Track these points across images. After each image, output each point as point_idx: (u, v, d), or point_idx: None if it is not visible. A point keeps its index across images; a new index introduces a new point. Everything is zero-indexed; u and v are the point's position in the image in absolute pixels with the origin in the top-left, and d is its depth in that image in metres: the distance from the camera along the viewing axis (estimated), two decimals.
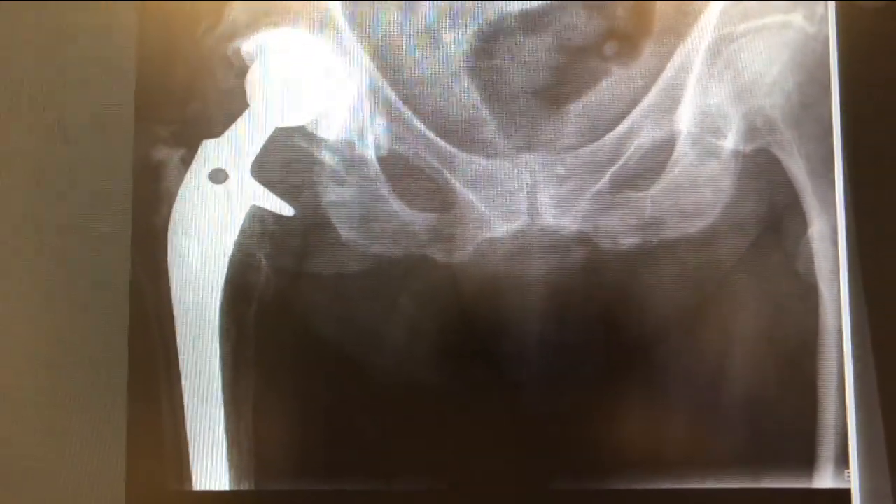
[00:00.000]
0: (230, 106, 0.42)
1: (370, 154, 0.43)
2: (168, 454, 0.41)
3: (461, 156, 0.42)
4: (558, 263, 0.41)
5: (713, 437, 0.40)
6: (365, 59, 0.43)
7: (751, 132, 0.42)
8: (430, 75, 0.43)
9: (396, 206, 0.42)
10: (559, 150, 0.42)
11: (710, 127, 0.42)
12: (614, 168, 0.42)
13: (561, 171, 0.42)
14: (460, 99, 0.42)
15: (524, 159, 0.42)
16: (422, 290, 0.41)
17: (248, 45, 0.43)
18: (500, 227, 0.42)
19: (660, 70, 0.42)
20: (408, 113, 0.43)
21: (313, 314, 0.42)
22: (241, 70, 0.43)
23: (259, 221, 0.42)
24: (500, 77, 0.42)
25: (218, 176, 0.43)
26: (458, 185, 0.42)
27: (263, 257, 0.42)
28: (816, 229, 0.41)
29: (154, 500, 0.41)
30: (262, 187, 0.42)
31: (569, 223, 0.42)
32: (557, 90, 0.42)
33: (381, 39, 0.43)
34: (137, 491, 0.41)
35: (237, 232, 0.42)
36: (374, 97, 0.43)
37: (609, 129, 0.42)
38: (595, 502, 0.40)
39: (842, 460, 0.40)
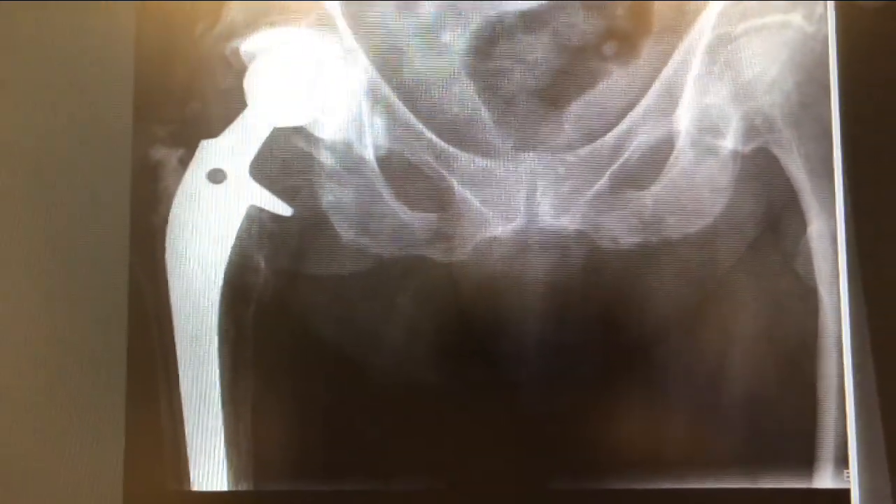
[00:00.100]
0: (228, 106, 0.42)
1: (369, 154, 0.43)
2: (167, 454, 0.41)
3: (460, 156, 0.42)
4: (557, 263, 0.41)
5: (713, 438, 0.40)
6: (363, 60, 0.43)
7: (750, 132, 0.42)
8: (429, 75, 0.43)
9: (395, 206, 0.42)
10: (558, 149, 0.42)
11: (709, 126, 0.42)
12: (613, 168, 0.42)
13: (560, 170, 0.42)
14: (459, 99, 0.42)
15: (523, 159, 0.42)
16: (420, 290, 0.41)
17: (246, 45, 0.43)
18: (499, 227, 0.42)
19: (659, 70, 0.42)
20: (407, 113, 0.43)
21: (312, 314, 0.42)
22: (240, 70, 0.43)
23: (257, 222, 0.42)
24: (499, 77, 0.42)
25: (216, 176, 0.43)
26: (456, 184, 0.42)
27: (262, 257, 0.42)
28: (816, 229, 0.41)
29: (152, 500, 0.41)
30: (260, 187, 0.42)
31: (567, 223, 0.42)
32: (556, 90, 0.42)
33: (380, 39, 0.43)
34: (136, 491, 0.41)
35: (235, 232, 0.42)
36: (373, 97, 0.43)
37: (608, 128, 0.42)
38: (594, 502, 0.40)
39: (841, 460, 0.40)
